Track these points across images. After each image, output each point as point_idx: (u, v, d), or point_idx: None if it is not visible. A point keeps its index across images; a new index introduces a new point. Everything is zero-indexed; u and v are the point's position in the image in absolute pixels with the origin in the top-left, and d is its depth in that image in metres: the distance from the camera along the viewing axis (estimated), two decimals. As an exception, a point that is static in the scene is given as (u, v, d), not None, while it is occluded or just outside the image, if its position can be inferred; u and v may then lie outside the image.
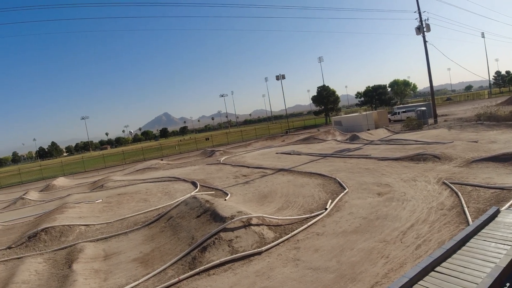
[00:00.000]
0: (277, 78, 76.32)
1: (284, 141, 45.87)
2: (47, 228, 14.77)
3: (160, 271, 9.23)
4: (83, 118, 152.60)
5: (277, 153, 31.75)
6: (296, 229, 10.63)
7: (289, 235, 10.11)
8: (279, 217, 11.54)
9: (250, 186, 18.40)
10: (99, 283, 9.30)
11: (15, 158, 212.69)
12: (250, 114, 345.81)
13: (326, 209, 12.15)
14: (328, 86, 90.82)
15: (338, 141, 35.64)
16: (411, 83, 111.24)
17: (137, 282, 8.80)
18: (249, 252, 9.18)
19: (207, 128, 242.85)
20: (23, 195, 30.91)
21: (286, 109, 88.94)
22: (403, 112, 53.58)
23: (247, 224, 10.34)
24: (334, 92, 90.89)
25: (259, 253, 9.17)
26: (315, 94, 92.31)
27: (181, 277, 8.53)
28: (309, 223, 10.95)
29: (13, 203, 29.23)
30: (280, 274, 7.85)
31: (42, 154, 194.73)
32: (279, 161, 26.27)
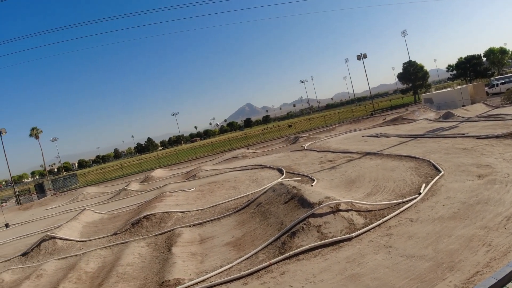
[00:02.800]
0: (358, 58, 72.93)
1: (385, 118, 43.52)
2: (148, 215, 16.21)
3: (252, 255, 9.76)
4: (173, 114, 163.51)
5: (363, 136, 30.70)
6: (388, 214, 10.33)
7: (380, 221, 9.86)
8: (369, 203, 11.25)
9: (336, 171, 18.13)
10: (196, 265, 9.99)
11: (117, 154, 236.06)
12: (332, 98, 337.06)
13: (419, 193, 11.52)
14: (414, 61, 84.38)
15: (429, 120, 33.24)
16: (509, 50, 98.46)
17: (230, 265, 9.36)
18: (338, 238, 9.22)
19: (289, 115, 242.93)
20: (126, 186, 34.21)
21: (370, 90, 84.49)
22: (502, 83, 48.04)
23: (335, 210, 10.27)
24: (421, 67, 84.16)
25: (349, 239, 9.16)
26: (401, 71, 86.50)
27: (272, 261, 8.91)
28: (401, 209, 10.50)
29: (117, 194, 32.46)
30: (371, 261, 7.74)
31: (140, 149, 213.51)
32: (366, 144, 25.39)
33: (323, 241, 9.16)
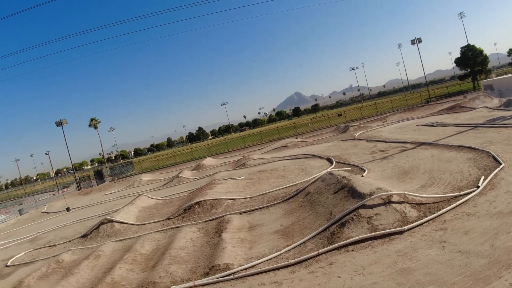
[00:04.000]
0: (412, 42, 69.14)
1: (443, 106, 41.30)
2: (200, 201, 16.71)
3: (300, 244, 9.81)
4: (223, 104, 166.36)
5: (417, 125, 29.43)
6: (443, 208, 9.88)
7: (435, 215, 9.45)
8: (423, 195, 10.81)
9: (388, 161, 17.60)
10: (245, 251, 10.19)
11: (170, 143, 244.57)
12: (384, 86, 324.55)
13: (478, 186, 10.89)
14: (473, 45, 78.38)
15: (490, 108, 31.14)
16: None
17: (279, 253, 9.45)
18: (390, 230, 8.97)
19: (338, 104, 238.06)
20: (178, 174, 35.37)
21: (425, 76, 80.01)
22: None
23: (387, 202, 9.99)
24: (481, 51, 78.09)
25: (401, 232, 8.88)
26: (459, 56, 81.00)
27: (320, 250, 8.91)
28: (457, 202, 10.01)
29: (170, 181, 33.64)
30: (424, 255, 7.48)
31: (191, 138, 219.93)
32: (421, 134, 24.34)
33: (373, 233, 8.98)
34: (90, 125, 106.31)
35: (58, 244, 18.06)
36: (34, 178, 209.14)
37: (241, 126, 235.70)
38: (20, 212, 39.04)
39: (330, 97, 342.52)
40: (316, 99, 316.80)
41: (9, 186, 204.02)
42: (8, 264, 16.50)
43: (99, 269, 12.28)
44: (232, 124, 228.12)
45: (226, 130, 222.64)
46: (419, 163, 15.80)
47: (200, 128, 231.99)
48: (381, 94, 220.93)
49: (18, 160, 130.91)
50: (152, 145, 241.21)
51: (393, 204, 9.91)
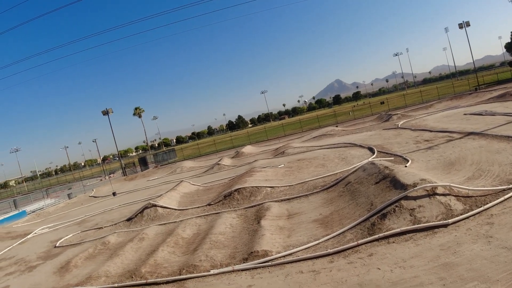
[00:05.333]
0: (460, 26, 65.31)
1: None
2: (239, 188, 16.94)
3: (339, 234, 9.77)
4: (262, 92, 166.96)
5: (465, 114, 28.05)
6: (490, 202, 9.38)
7: (481, 208, 9.01)
8: (470, 187, 10.34)
9: (433, 152, 16.95)
10: (284, 239, 10.26)
11: (210, 131, 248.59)
12: (429, 72, 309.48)
13: (529, 180, 10.23)
14: None
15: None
16: None
17: (317, 242, 9.46)
18: (433, 223, 8.69)
19: (381, 92, 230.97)
20: (218, 161, 35.94)
21: (473, 62, 75.51)
22: None
23: (431, 193, 9.66)
24: None
25: (445, 226, 8.57)
26: (509, 40, 76.10)
27: (360, 241, 8.82)
28: (506, 196, 9.50)
29: (211, 168, 34.24)
30: (468, 250, 7.21)
31: (231, 126, 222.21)
32: (468, 123, 23.20)
33: (416, 226, 8.73)
34: (134, 114, 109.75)
35: (105, 227, 18.98)
36: (82, 164, 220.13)
37: (281, 115, 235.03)
38: (69, 196, 41.16)
39: (372, 84, 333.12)
40: (357, 87, 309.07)
41: (59, 172, 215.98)
42: (57, 245, 17.56)
43: (142, 251, 12.81)
44: (272, 113, 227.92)
45: (265, 118, 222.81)
46: (466, 154, 15.11)
47: (239, 117, 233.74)
48: (426, 81, 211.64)
49: (67, 147, 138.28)
50: (193, 133, 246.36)
51: (437, 196, 9.57)
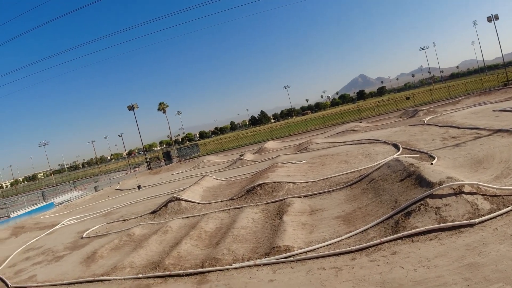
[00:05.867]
0: (489, 19, 62.89)
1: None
2: (262, 184, 16.99)
3: (362, 231, 9.71)
4: (285, 88, 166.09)
5: (494, 110, 27.12)
6: (519, 201, 8.98)
7: (509, 208, 8.76)
8: (498, 186, 10.00)
9: (460, 149, 16.51)
10: (305, 234, 10.26)
11: (233, 126, 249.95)
12: (457, 67, 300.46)
13: (563, 179, 9.84)
14: None
15: None
16: None
17: (339, 238, 9.44)
18: (459, 222, 8.49)
19: (407, 87, 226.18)
20: (241, 156, 36.10)
21: (503, 56, 72.50)
22: None
23: (457, 192, 9.43)
24: None
25: (471, 225, 8.37)
26: None
27: (383, 239, 8.73)
28: (535, 196, 9.12)
29: (234, 162, 34.43)
30: (494, 251, 7.04)
31: (254, 121, 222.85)
32: (497, 120, 22.44)
33: (441, 225, 8.55)
34: (159, 109, 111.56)
35: (130, 219, 19.41)
36: (108, 158, 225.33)
37: (303, 110, 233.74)
38: (96, 188, 42.25)
39: (397, 79, 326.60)
40: (382, 82, 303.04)
41: (86, 165, 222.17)
42: (84, 236, 18.09)
43: (166, 243, 13.06)
44: (294, 108, 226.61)
45: (288, 113, 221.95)
46: (495, 151, 14.65)
47: (262, 112, 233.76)
48: (453, 76, 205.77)
49: (94, 141, 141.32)
50: (216, 128, 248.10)
51: (464, 195, 9.34)
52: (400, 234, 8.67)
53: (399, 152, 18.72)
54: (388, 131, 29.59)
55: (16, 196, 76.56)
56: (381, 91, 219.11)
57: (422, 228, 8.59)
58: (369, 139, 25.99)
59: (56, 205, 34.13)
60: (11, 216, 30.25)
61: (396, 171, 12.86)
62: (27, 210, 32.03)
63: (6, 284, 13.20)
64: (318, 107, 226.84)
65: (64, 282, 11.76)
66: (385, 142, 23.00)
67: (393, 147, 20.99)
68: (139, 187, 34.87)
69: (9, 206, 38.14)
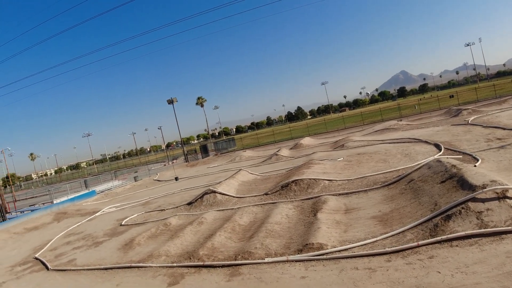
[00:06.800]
0: None
1: None
2: (297, 180, 16.93)
3: (399, 233, 9.47)
4: (322, 84, 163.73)
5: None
6: None
7: (558, 215, 8.19)
8: (546, 191, 9.39)
9: (506, 151, 15.72)
10: (340, 233, 10.16)
11: (269, 122, 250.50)
12: (503, 64, 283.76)
13: None
14: None
15: None
16: None
17: (375, 239, 9.27)
18: (501, 228, 8.10)
19: (450, 84, 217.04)
20: (277, 152, 36.07)
21: None
22: None
23: (501, 196, 8.99)
24: None
25: (514, 232, 7.83)
26: None
27: (421, 242, 8.49)
28: None
29: (269, 158, 34.49)
30: (537, 260, 6.60)
31: (290, 117, 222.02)
32: (546, 121, 21.16)
33: (482, 230, 8.19)
34: (197, 103, 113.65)
35: (167, 209, 19.93)
36: (148, 149, 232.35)
37: (341, 107, 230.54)
38: (135, 179, 43.71)
39: (440, 76, 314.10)
40: (424, 79, 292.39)
41: (126, 156, 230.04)
42: (123, 223, 18.80)
43: (201, 234, 13.33)
44: (332, 104, 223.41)
45: (325, 110, 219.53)
46: (543, 155, 13.86)
47: (299, 108, 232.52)
48: (500, 74, 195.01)
49: (135, 133, 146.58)
50: (252, 123, 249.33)
51: (508, 200, 8.89)
52: (439, 238, 8.39)
53: (440, 153, 18.07)
54: (429, 130, 28.58)
55: (59, 184, 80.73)
56: (423, 89, 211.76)
57: (462, 233, 8.26)
58: (409, 138, 25.23)
59: (98, 193, 35.59)
60: (55, 202, 31.96)
61: (437, 172, 12.43)
62: (70, 197, 33.68)
63: (46, 267, 13.96)
64: (356, 103, 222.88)
65: (102, 267, 12.29)
66: (426, 142, 22.24)
67: (434, 147, 20.27)
68: (176, 178, 35.68)
69: (53, 193, 40.44)
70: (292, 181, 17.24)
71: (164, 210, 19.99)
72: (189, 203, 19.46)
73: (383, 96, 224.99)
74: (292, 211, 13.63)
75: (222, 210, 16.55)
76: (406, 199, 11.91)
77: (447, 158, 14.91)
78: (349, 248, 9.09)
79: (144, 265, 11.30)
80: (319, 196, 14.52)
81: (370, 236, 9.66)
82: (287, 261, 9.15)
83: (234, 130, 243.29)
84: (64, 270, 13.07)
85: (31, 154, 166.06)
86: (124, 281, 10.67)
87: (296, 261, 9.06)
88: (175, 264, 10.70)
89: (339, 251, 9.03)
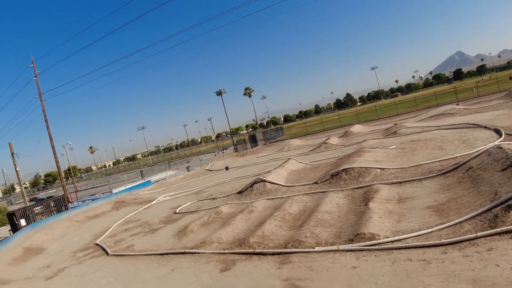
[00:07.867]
0: None
1: None
2: (347, 168, 16.68)
3: (456, 223, 9.03)
4: (372, 69, 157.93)
5: None
6: None
7: None
8: None
9: None
10: (393, 223, 9.92)
11: (317, 110, 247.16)
12: None
13: None
14: None
15: None
16: None
17: (430, 230, 8.96)
18: None
19: (510, 65, 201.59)
20: (326, 140, 35.65)
21: None
22: None
23: None
24: None
25: None
26: None
27: (479, 234, 8.08)
28: None
29: (318, 146, 34.19)
30: None
31: (339, 104, 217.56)
32: None
33: (548, 221, 7.66)
34: (245, 94, 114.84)
35: (218, 198, 20.45)
36: (199, 140, 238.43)
37: (393, 92, 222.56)
38: (188, 169, 45.16)
39: (499, 56, 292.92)
40: (482, 59, 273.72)
41: (179, 147, 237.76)
42: (177, 211, 19.57)
43: (251, 222, 13.56)
44: (383, 90, 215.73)
45: (375, 96, 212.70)
46: None
47: (348, 95, 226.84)
48: None
49: (186, 125, 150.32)
50: (300, 112, 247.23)
51: None
52: (499, 229, 7.92)
53: (501, 139, 16.95)
54: (489, 114, 26.85)
55: (117, 174, 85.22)
56: (481, 70, 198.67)
57: (525, 224, 7.78)
58: (467, 124, 23.86)
59: (153, 183, 37.23)
60: (113, 192, 33.82)
61: (497, 160, 11.70)
62: (127, 186, 35.52)
63: (106, 252, 14.94)
64: (409, 88, 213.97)
65: (158, 252, 12.97)
66: (485, 127, 20.94)
67: (494, 132, 19.04)
68: (226, 168, 36.42)
69: (112, 183, 42.95)
70: (342, 170, 16.98)
71: (215, 198, 20.52)
72: (240, 192, 19.81)
73: (438, 79, 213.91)
74: (342, 200, 13.48)
75: (272, 199, 16.70)
76: (463, 188, 11.35)
77: (509, 144, 13.98)
78: (402, 239, 8.86)
79: (198, 251, 11.75)
80: (371, 185, 14.21)
81: (424, 226, 9.34)
82: (338, 250, 9.10)
83: (282, 119, 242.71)
84: (123, 255, 13.90)
85: (91, 147, 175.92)
86: (178, 266, 11.16)
87: (347, 250, 8.99)
88: (226, 251, 11.01)
89: (392, 241, 8.83)
